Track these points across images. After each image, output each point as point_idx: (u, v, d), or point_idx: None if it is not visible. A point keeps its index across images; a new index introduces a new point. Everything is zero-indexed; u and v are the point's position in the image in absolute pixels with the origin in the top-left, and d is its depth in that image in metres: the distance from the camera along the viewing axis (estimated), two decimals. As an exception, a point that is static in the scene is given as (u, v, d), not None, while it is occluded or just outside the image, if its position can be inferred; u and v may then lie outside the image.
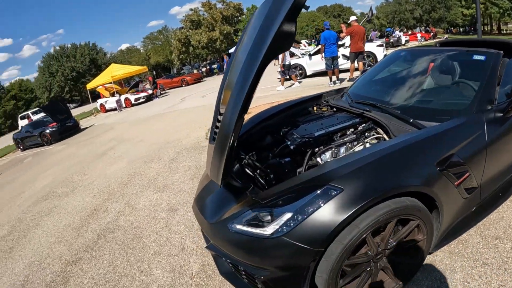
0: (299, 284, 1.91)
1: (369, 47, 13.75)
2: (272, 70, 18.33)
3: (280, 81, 13.72)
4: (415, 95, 3.12)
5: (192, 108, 13.17)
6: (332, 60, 11.09)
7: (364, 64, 11.64)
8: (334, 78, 11.51)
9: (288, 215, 1.87)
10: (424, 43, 30.51)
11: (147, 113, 14.78)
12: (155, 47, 53.43)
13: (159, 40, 54.54)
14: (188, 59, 41.51)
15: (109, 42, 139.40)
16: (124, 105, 19.47)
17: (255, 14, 2.49)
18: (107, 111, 20.79)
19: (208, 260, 3.15)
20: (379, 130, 2.73)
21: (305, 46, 33.57)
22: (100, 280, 3.21)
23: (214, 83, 22.64)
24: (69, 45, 48.08)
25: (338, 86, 11.16)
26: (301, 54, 16.44)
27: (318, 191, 1.89)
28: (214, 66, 32.84)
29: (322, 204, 1.82)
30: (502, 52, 2.74)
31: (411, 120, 2.51)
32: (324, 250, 1.82)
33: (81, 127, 15.57)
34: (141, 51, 58.43)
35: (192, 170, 5.82)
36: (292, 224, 1.83)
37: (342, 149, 2.74)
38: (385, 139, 2.61)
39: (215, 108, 2.68)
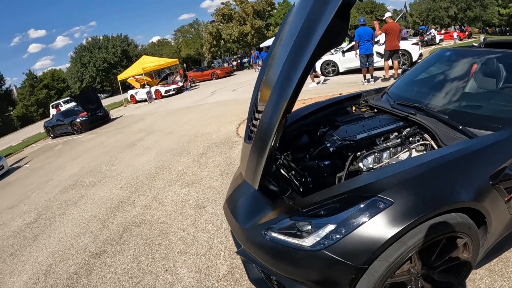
0: None
1: (404, 45, 13.10)
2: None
3: (310, 77, 13.41)
4: (463, 99, 2.85)
5: (222, 101, 13.02)
6: (366, 58, 10.63)
7: (399, 62, 11.11)
8: (368, 76, 11.06)
9: (330, 227, 1.73)
10: (459, 42, 29.13)
11: (177, 105, 14.77)
12: (186, 40, 53.87)
13: (190, 33, 55.07)
14: (219, 53, 41.58)
15: (140, 34, 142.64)
16: (154, 97, 19.62)
17: (295, 8, 2.33)
18: (137, 102, 21.01)
19: (236, 263, 2.95)
20: (426, 136, 2.51)
21: None
22: (123, 276, 3.06)
23: (244, 77, 22.46)
24: (101, 37, 49.35)
25: (372, 84, 10.74)
26: (334, 51, 15.97)
27: (365, 203, 1.73)
28: (245, 60, 32.62)
29: (369, 218, 1.68)
30: None
31: (460, 127, 2.28)
32: (367, 267, 1.67)
33: (111, 117, 15.78)
34: (172, 43, 59.20)
35: (221, 166, 5.62)
36: (334, 237, 1.69)
37: (385, 155, 2.55)
38: (432, 146, 2.41)
39: (251, 105, 2.54)
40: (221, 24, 36.26)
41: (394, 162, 2.38)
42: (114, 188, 5.50)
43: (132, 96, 21.46)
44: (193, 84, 23.78)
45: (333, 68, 14.78)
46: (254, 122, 2.32)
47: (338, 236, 1.68)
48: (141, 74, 21.00)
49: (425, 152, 2.38)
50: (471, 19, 58.53)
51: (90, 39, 49.42)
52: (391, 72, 10.90)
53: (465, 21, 58.47)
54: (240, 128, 8.17)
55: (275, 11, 44.31)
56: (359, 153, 2.55)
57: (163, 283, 2.86)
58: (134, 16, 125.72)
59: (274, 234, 1.93)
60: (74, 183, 6.36)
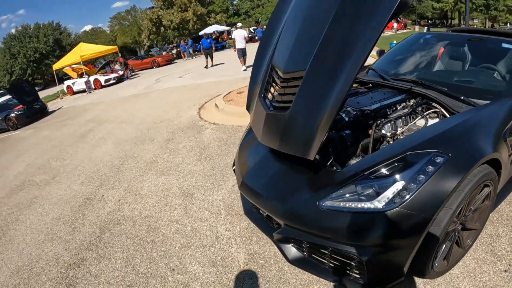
0: (405, 260, 1.79)
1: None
2: (250, 52, 17.58)
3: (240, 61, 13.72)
4: (453, 76, 3.19)
5: (172, 88, 12.16)
6: None
7: None
8: None
9: (399, 186, 1.75)
10: (398, 32, 30.75)
11: (123, 94, 13.50)
12: (122, 28, 50.41)
13: (127, 20, 51.71)
14: (155, 41, 39.46)
15: (71, 23, 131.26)
16: (93, 87, 17.89)
17: None
18: (74, 93, 18.82)
19: (254, 248, 2.59)
20: (435, 105, 2.64)
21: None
22: (120, 285, 2.47)
23: (187, 64, 21.46)
24: (32, 25, 44.54)
25: None
26: None
27: (427, 158, 1.81)
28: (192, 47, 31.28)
29: (433, 171, 1.75)
30: None
31: (462, 98, 2.51)
32: (435, 218, 1.74)
33: (49, 110, 14.08)
34: (108, 32, 55.24)
35: (195, 150, 5.07)
36: (406, 194, 1.71)
37: (399, 123, 2.61)
38: (443, 114, 2.55)
39: (263, 77, 2.56)
40: (162, 10, 34.29)
41: (416, 128, 2.47)
42: (73, 184, 4.69)
43: (69, 87, 19.13)
44: (133, 73, 22.19)
45: None
46: (272, 89, 2.38)
47: (410, 192, 1.71)
48: (79, 63, 19.10)
49: (438, 119, 2.56)
50: (407, 12, 61.37)
51: (20, 27, 44.27)
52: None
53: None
54: (202, 113, 7.60)
55: None
56: (379, 121, 2.55)
57: (174, 285, 2.35)
58: (64, 4, 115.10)
59: (332, 203, 1.86)
60: (22, 183, 5.33)
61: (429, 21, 64.15)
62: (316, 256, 2.04)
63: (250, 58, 16.32)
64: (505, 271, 2.15)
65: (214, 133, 5.83)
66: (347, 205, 1.81)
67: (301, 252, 2.11)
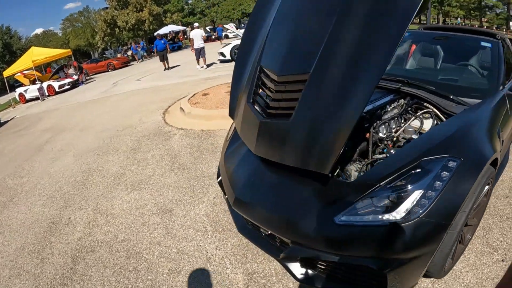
0: (424, 266, 1.78)
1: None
2: (209, 51, 17.29)
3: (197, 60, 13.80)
4: (437, 74, 3.17)
5: (131, 92, 11.54)
6: None
7: None
8: None
9: (418, 194, 1.68)
10: None
11: (79, 100, 12.57)
12: (75, 30, 47.58)
13: (80, 22, 48.93)
14: (110, 43, 37.66)
15: (22, 26, 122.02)
16: (47, 94, 16.59)
17: None
18: (27, 101, 17.35)
19: (252, 266, 2.42)
20: (427, 105, 2.61)
21: (227, 30, 32.42)
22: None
23: (144, 66, 20.62)
24: (-21, 29, 40.95)
25: None
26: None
27: (442, 164, 1.78)
28: (144, 49, 29.96)
29: (448, 177, 1.72)
30: (500, 39, 3.05)
31: (451, 97, 2.52)
32: (452, 223, 1.72)
33: (1, 121, 12.87)
34: (60, 35, 51.96)
35: (166, 160, 4.76)
36: (426, 202, 1.66)
37: (392, 124, 2.55)
38: (436, 114, 2.53)
39: (251, 80, 2.37)
40: (116, 11, 32.63)
41: (412, 129, 2.43)
42: (34, 206, 4.20)
43: (21, 94, 17.42)
44: (88, 77, 20.92)
45: None
46: (267, 95, 2.17)
47: (429, 200, 1.66)
48: (31, 68, 17.64)
49: (431, 119, 2.52)
50: None
51: (-34, 31, 40.50)
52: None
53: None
54: (167, 118, 7.24)
55: None
56: (375, 123, 2.45)
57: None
58: (13, 6, 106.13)
59: (350, 217, 1.74)
60: (-28, 207, 4.77)
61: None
62: (328, 273, 1.92)
63: (210, 57, 16.08)
64: (503, 260, 2.25)
65: (184, 139, 5.54)
66: (365, 219, 1.71)
67: (310, 269, 1.96)
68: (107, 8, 35.03)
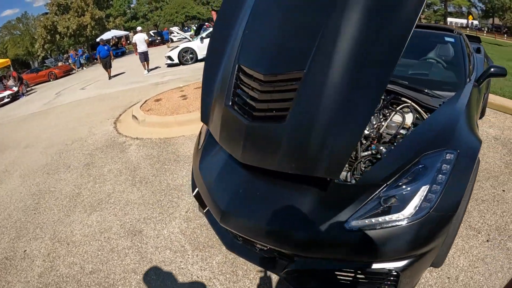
0: (432, 259, 1.79)
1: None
2: (155, 55, 16.65)
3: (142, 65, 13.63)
4: (407, 69, 3.16)
5: (78, 101, 10.63)
6: None
7: None
8: None
9: (424, 190, 1.66)
10: None
11: (21, 113, 11.32)
12: (13, 38, 43.37)
13: (18, 29, 44.72)
14: (50, 51, 34.83)
15: None
16: (-17, 109, 14.82)
17: None
18: None
19: (245, 284, 2.26)
20: (405, 99, 2.58)
21: (174, 33, 31.65)
22: None
23: (87, 74, 19.31)
24: None
25: None
26: (190, 37, 15.12)
27: (442, 158, 1.78)
28: (83, 57, 27.99)
29: (449, 170, 1.72)
30: (459, 34, 3.19)
31: (426, 90, 2.54)
32: (456, 212, 1.72)
33: None
34: (-4, 44, 47.15)
35: (125, 174, 4.38)
36: (432, 196, 1.65)
37: (373, 120, 2.49)
38: (415, 108, 2.50)
39: (227, 74, 2.22)
40: (57, 16, 30.04)
41: (395, 124, 2.43)
42: (-22, 240, 3.65)
43: None
44: (28, 88, 19.04)
45: (191, 55, 13.97)
46: (251, 96, 2.00)
47: (436, 194, 1.65)
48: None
49: (411, 113, 2.49)
50: None
51: None
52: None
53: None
54: (120, 127, 6.76)
55: (115, 0, 39.64)
56: None
57: None
58: None
59: (360, 221, 1.66)
60: None
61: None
62: (336, 281, 1.79)
63: (153, 61, 15.44)
64: (487, 240, 2.38)
65: (141, 150, 5.16)
66: (375, 221, 1.64)
67: (316, 280, 1.83)
68: (47, 13, 32.33)
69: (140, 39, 12.95)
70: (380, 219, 1.63)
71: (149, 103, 7.67)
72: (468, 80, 2.74)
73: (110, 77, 13.97)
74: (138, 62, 13.94)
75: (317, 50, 1.72)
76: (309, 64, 1.72)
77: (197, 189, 2.53)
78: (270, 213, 1.85)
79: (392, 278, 1.67)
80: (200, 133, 2.98)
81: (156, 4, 45.48)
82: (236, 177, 2.13)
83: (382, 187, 1.72)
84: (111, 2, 36.26)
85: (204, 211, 2.46)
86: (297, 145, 1.78)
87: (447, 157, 1.77)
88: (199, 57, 13.95)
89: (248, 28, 2.15)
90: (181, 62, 13.87)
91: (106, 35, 28.19)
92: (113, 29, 32.33)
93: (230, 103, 2.13)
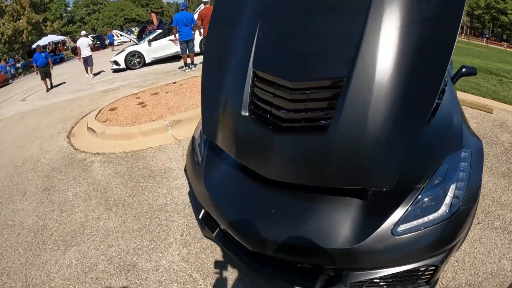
0: (455, 250, 1.87)
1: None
2: (98, 59, 15.52)
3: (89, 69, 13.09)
4: None
5: (21, 114, 9.38)
6: (186, 44, 9.84)
7: None
8: (188, 61, 10.42)
9: (453, 187, 1.74)
10: None
11: None
12: None
13: None
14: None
15: None
16: None
17: None
18: None
19: None
20: None
21: (118, 37, 29.98)
22: None
23: (27, 83, 17.30)
24: None
25: (193, 70, 10.20)
26: (137, 40, 14.21)
27: (462, 157, 1.89)
28: (19, 65, 25.14)
29: (468, 167, 1.84)
30: None
31: None
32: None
33: None
34: None
35: (96, 198, 3.88)
36: (459, 193, 1.73)
37: None
38: None
39: (240, 81, 1.96)
40: None
41: None
42: None
43: None
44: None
45: (138, 59, 13.12)
46: (274, 104, 1.81)
47: (461, 191, 1.74)
48: None
49: None
50: None
51: None
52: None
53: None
54: (75, 142, 6.08)
55: (53, 3, 36.05)
56: None
57: None
58: None
59: (405, 226, 1.65)
60: None
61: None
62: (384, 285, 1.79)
63: (98, 66, 14.34)
64: (478, 223, 2.70)
65: (107, 167, 4.64)
66: (415, 223, 1.66)
67: None
68: (-22, 18, 28.56)
69: (83, 43, 12.43)
70: (421, 220, 1.67)
71: (104, 113, 7.02)
72: (447, 79, 2.73)
73: (49, 89, 12.16)
74: (80, 69, 12.98)
75: (358, 56, 1.58)
76: (350, 71, 1.58)
77: (203, 211, 2.24)
78: (313, 230, 1.70)
79: (431, 271, 1.74)
80: (193, 147, 2.65)
81: (94, 7, 42.53)
82: (263, 196, 1.90)
83: (420, 190, 1.74)
84: (48, 6, 33.00)
85: (214, 234, 2.19)
86: (344, 157, 1.63)
87: (464, 156, 1.89)
88: (147, 61, 13.19)
89: (262, 30, 1.92)
90: (128, 67, 12.99)
91: (43, 41, 25.61)
92: (50, 33, 29.58)
93: (248, 113, 1.89)
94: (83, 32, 13.93)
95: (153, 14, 20.87)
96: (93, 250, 2.97)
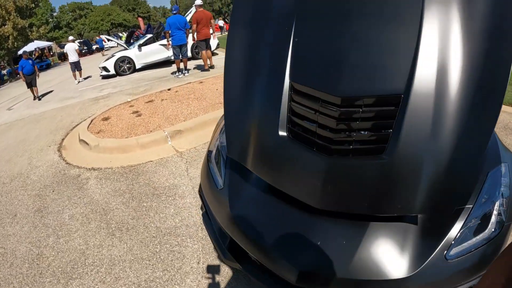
0: None
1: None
2: (89, 65, 15.03)
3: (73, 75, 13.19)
4: None
5: (7, 125, 8.78)
6: (179, 48, 9.48)
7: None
8: (182, 67, 10.08)
9: (498, 205, 1.65)
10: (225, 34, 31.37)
11: None
12: None
13: None
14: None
15: None
16: None
17: None
18: None
19: None
20: None
21: (105, 42, 29.39)
22: None
23: (13, 91, 16.51)
24: None
25: (187, 76, 9.87)
26: (127, 45, 13.75)
27: (500, 172, 1.79)
28: (4, 72, 24.10)
29: (508, 182, 1.76)
30: None
31: None
32: None
33: None
34: None
35: (95, 220, 3.52)
36: (503, 209, 1.65)
37: None
38: None
39: (273, 95, 1.72)
40: None
41: None
42: None
43: None
44: None
45: (128, 65, 12.66)
46: (317, 124, 1.59)
47: (505, 207, 1.66)
48: None
49: None
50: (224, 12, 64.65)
51: None
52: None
53: (228, 14, 64.86)
54: (67, 155, 5.67)
55: (39, 8, 34.96)
56: None
57: None
58: None
59: (457, 250, 1.54)
60: None
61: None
62: None
63: (86, 72, 13.84)
64: None
65: (104, 185, 4.27)
66: (466, 245, 1.55)
67: None
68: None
69: (70, 49, 12.54)
70: (472, 241, 1.57)
71: (96, 123, 6.61)
72: None
73: (36, 97, 11.40)
74: (67, 75, 12.52)
75: (416, 71, 1.42)
76: (407, 87, 1.42)
77: (229, 240, 1.96)
78: (366, 261, 1.51)
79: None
80: (209, 166, 2.35)
81: (80, 12, 41.58)
82: (306, 225, 1.66)
83: (470, 210, 1.62)
84: (33, 11, 31.94)
85: (242, 266, 1.93)
86: (405, 182, 1.47)
87: (504, 171, 1.81)
88: (137, 66, 12.76)
89: (298, 35, 1.67)
90: (118, 73, 12.52)
91: (29, 47, 24.82)
92: (36, 39, 28.65)
93: (286, 133, 1.65)
94: (71, 38, 13.93)
95: (140, 19, 20.51)
96: (98, 284, 2.61)
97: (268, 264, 1.68)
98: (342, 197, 1.58)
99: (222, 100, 6.92)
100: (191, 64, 11.66)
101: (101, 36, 28.96)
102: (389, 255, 1.51)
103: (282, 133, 1.66)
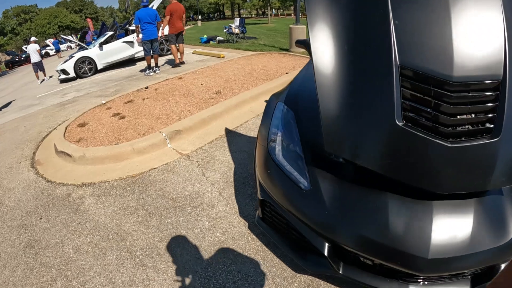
0: None
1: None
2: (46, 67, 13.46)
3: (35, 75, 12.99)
4: None
5: None
6: (151, 44, 8.48)
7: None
8: (153, 64, 9.12)
9: None
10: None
11: None
12: None
13: None
14: None
15: None
16: None
17: None
18: None
19: None
20: None
21: (51, 45, 27.02)
22: None
23: None
24: None
25: (158, 74, 8.93)
26: (87, 45, 12.34)
27: None
28: None
29: None
30: None
31: None
32: None
33: None
34: None
35: (112, 250, 2.72)
36: None
37: None
38: None
39: (378, 80, 1.55)
40: None
41: None
42: None
43: None
44: None
45: (90, 66, 11.29)
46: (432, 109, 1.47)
47: None
48: None
49: None
50: (187, 7, 64.58)
51: None
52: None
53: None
54: (44, 171, 4.63)
55: None
56: None
57: None
58: None
59: None
60: None
61: (205, 15, 75.12)
62: None
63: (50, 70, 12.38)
64: None
65: (107, 203, 3.43)
66: None
67: None
68: None
69: (31, 49, 12.51)
70: None
71: (73, 131, 5.58)
72: None
73: None
74: (21, 82, 11.09)
75: (507, 54, 1.42)
76: (504, 72, 1.43)
77: (327, 246, 1.78)
78: (480, 234, 1.55)
79: None
80: (280, 165, 2.02)
81: (25, 15, 37.76)
82: (417, 213, 1.62)
83: None
84: None
85: (341, 270, 1.80)
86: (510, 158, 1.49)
87: None
88: (99, 67, 11.41)
89: (399, 20, 1.54)
90: (79, 75, 11.10)
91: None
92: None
93: (403, 121, 1.53)
94: (33, 38, 13.51)
95: (89, 20, 19.15)
96: None
97: (389, 260, 1.59)
98: (460, 179, 1.54)
99: (212, 96, 6.17)
100: (161, 60, 10.65)
101: (55, 38, 26.78)
102: (497, 223, 1.57)
103: (399, 121, 1.55)
